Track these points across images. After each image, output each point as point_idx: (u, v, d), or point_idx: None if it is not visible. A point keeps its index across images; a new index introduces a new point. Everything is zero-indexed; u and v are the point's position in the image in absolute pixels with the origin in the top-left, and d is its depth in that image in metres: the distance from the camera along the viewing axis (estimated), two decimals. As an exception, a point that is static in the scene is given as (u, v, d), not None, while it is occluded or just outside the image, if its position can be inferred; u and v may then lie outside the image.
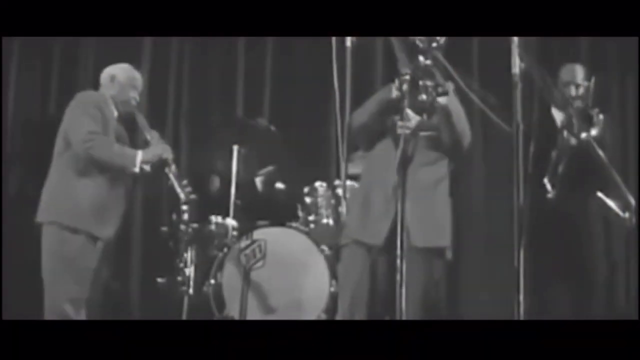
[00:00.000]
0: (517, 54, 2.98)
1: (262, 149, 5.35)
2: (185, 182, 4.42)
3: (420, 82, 3.30)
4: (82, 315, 4.13)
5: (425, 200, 3.58)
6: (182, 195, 4.40)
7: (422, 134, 3.59)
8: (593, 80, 4.49)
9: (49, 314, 4.13)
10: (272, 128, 5.28)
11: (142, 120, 4.54)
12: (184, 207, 4.53)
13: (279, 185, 5.38)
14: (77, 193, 4.23)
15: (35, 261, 4.24)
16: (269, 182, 5.44)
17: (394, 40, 3.54)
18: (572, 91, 4.56)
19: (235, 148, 5.18)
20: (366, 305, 3.66)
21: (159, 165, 4.38)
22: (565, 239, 4.52)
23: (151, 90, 5.77)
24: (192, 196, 4.42)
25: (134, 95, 4.52)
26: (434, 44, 3.37)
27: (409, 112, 3.57)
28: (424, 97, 3.28)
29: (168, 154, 4.40)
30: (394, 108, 3.65)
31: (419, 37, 3.41)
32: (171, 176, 4.41)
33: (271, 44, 5.96)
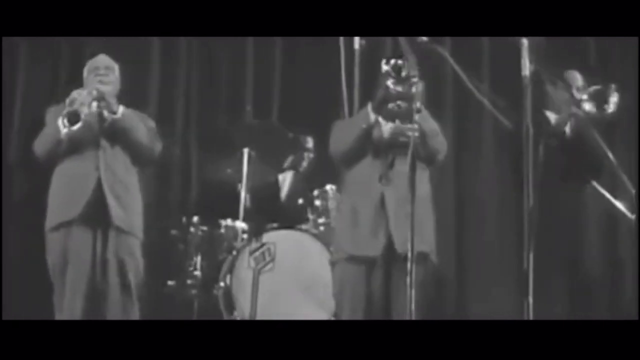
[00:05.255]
0: (527, 56, 2.98)
1: (272, 151, 5.34)
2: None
3: (391, 105, 3.41)
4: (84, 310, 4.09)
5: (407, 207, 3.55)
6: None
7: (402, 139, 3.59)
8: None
9: (59, 315, 4.12)
10: (282, 130, 5.29)
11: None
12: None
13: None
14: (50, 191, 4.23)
15: (35, 262, 4.28)
16: (294, 185, 5.46)
17: (403, 42, 3.55)
18: (575, 95, 4.51)
19: (246, 151, 5.19)
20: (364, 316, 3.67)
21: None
22: (560, 236, 4.51)
23: (160, 92, 5.78)
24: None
25: (98, 78, 4.28)
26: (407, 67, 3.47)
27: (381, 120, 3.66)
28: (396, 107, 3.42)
29: (84, 95, 4.09)
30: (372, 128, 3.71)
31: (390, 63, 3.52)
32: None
33: (280, 45, 5.95)
